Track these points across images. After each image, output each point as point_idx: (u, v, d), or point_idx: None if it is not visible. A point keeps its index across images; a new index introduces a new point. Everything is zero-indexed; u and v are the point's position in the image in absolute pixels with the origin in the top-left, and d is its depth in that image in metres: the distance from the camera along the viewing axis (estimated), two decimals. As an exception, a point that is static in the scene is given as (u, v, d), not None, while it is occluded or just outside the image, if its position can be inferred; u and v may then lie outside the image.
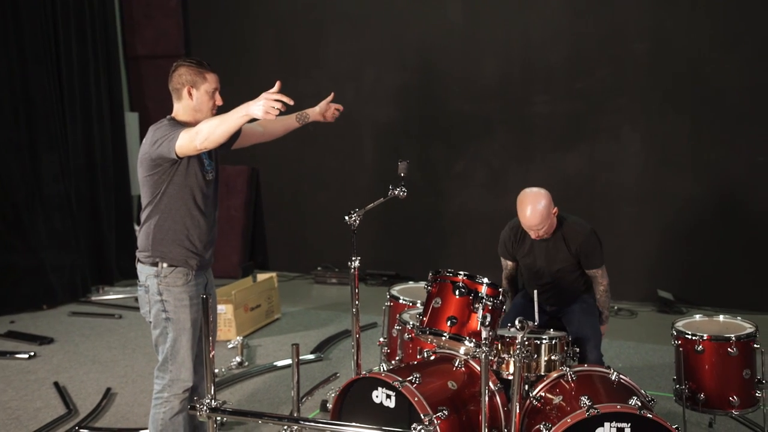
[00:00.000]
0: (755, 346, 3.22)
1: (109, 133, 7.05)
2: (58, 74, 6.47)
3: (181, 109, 2.94)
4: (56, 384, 4.33)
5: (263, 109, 2.61)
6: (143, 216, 2.95)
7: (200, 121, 2.89)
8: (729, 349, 3.16)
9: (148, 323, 2.99)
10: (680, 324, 3.39)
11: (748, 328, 3.30)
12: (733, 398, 3.16)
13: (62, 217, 6.45)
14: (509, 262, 3.64)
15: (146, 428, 3.16)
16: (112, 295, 6.56)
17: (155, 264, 2.90)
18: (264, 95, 2.62)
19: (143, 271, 2.94)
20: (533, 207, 3.23)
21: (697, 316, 3.54)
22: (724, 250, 5.79)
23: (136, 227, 2.98)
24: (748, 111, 5.61)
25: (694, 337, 3.22)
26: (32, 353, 4.89)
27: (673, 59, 5.77)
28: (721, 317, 3.50)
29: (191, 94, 2.91)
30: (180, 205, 2.90)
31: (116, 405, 4.04)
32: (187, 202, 2.91)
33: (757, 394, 3.22)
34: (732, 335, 3.19)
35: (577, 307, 3.45)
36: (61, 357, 4.87)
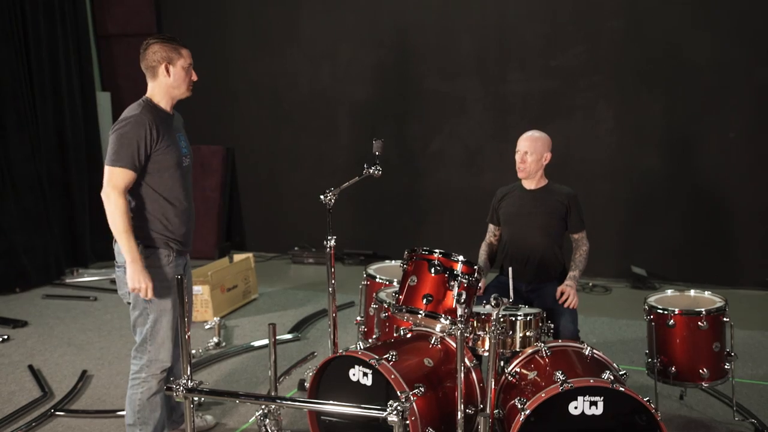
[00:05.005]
0: (725, 319, 3.28)
1: (80, 113, 6.93)
2: (27, 53, 6.33)
3: (156, 87, 2.90)
4: (31, 367, 4.29)
5: (132, 286, 2.78)
6: None
7: (177, 98, 2.93)
8: (699, 323, 3.22)
9: (127, 304, 2.97)
10: (652, 299, 3.45)
11: (718, 302, 3.37)
12: (703, 371, 3.22)
13: (34, 198, 6.35)
14: (491, 225, 3.74)
15: (123, 410, 3.15)
16: (87, 278, 6.49)
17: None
18: (146, 286, 2.78)
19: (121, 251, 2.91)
20: (533, 132, 3.57)
21: (669, 291, 3.60)
22: (695, 226, 5.89)
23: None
24: (721, 88, 5.67)
25: (665, 312, 3.28)
26: (5, 336, 4.83)
27: (647, 37, 5.80)
28: (692, 292, 3.57)
29: (168, 71, 2.86)
30: (158, 194, 2.87)
31: (92, 387, 4.01)
32: (164, 188, 2.88)
33: (726, 367, 3.29)
34: (702, 309, 3.25)
35: (552, 287, 3.50)
36: (36, 340, 4.82)
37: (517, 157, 3.56)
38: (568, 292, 3.36)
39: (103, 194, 2.79)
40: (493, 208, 3.74)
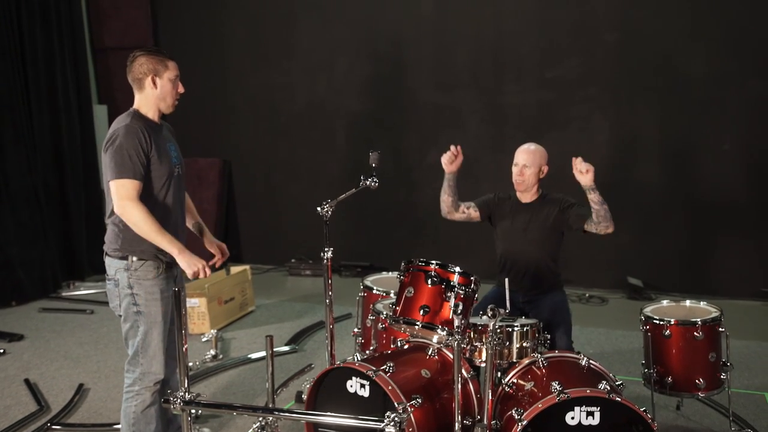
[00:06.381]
0: (720, 329, 3.30)
1: (77, 126, 6.94)
2: (23, 67, 6.35)
3: (143, 99, 2.91)
4: (27, 381, 4.28)
5: (192, 271, 2.79)
6: (109, 210, 2.92)
7: (164, 110, 2.94)
8: (695, 333, 3.23)
9: (118, 317, 2.97)
10: (648, 309, 3.46)
11: (714, 312, 3.38)
12: (699, 381, 3.23)
13: (30, 212, 6.35)
14: (473, 212, 3.68)
15: (119, 423, 3.14)
16: (83, 291, 6.48)
17: (125, 257, 2.87)
18: (203, 266, 2.81)
19: (112, 264, 2.92)
20: (529, 145, 3.56)
21: (665, 302, 3.62)
22: (691, 237, 5.91)
23: (107, 221, 2.95)
24: (715, 100, 5.71)
25: (661, 322, 3.29)
26: (1, 350, 4.82)
27: (642, 49, 5.85)
28: (688, 302, 3.58)
29: (155, 83, 2.88)
30: (148, 202, 2.87)
31: (89, 400, 4.00)
32: (155, 199, 2.89)
33: (722, 377, 3.30)
34: (698, 319, 3.26)
35: (548, 298, 3.51)
36: (32, 353, 4.80)
37: (515, 170, 3.55)
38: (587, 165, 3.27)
39: (119, 209, 2.78)
40: (486, 202, 3.67)
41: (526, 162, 3.51)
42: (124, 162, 2.76)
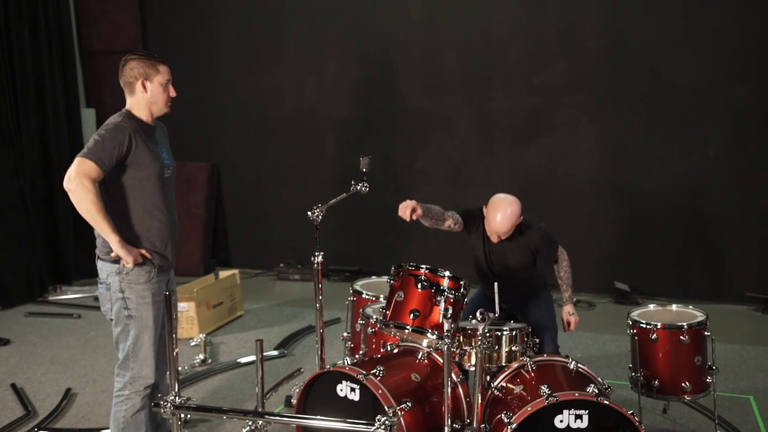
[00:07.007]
0: (706, 333, 3.33)
1: (65, 129, 6.91)
2: (11, 70, 6.31)
3: (134, 103, 2.92)
4: (13, 386, 4.24)
5: (131, 258, 2.81)
6: None
7: (156, 113, 2.95)
8: (681, 337, 3.27)
9: (109, 321, 2.96)
10: (635, 314, 3.50)
11: (699, 316, 3.42)
12: (685, 384, 3.27)
13: (17, 215, 6.31)
14: (457, 228, 3.49)
15: (107, 428, 3.13)
16: (71, 295, 6.44)
17: (117, 261, 2.87)
18: (137, 252, 2.82)
19: (104, 268, 2.91)
20: (503, 215, 3.24)
21: (652, 306, 3.65)
22: (677, 241, 5.97)
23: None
24: (700, 106, 5.79)
25: (648, 326, 3.32)
26: (-12, 355, 4.79)
27: (629, 56, 5.91)
28: (674, 306, 3.61)
29: (145, 87, 2.89)
30: (139, 206, 2.87)
31: (76, 405, 3.98)
32: (145, 200, 2.89)
33: (707, 380, 3.34)
34: (684, 323, 3.30)
35: (534, 302, 3.52)
36: (18, 358, 4.77)
37: (490, 232, 3.35)
38: (573, 321, 3.52)
39: (69, 183, 2.70)
40: (468, 219, 3.49)
41: (505, 231, 3.30)
42: (96, 147, 2.74)
